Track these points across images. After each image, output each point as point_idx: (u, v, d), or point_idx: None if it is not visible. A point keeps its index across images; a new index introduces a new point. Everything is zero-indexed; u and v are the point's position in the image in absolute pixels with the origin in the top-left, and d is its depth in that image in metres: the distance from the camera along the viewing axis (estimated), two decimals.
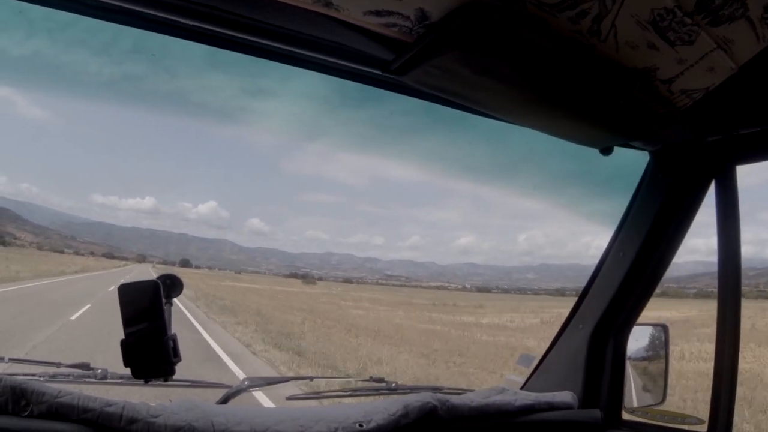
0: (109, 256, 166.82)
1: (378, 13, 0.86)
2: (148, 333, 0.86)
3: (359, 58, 1.09)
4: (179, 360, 0.88)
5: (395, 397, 1.41)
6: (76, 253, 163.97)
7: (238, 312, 19.19)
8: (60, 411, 0.92)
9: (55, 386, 0.96)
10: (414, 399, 1.20)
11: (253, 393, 1.82)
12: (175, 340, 0.88)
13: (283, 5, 0.85)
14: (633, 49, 0.93)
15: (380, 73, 1.06)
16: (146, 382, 0.92)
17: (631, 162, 1.42)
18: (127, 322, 0.86)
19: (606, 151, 1.30)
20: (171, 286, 0.97)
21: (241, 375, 5.43)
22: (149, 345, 0.87)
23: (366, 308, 33.79)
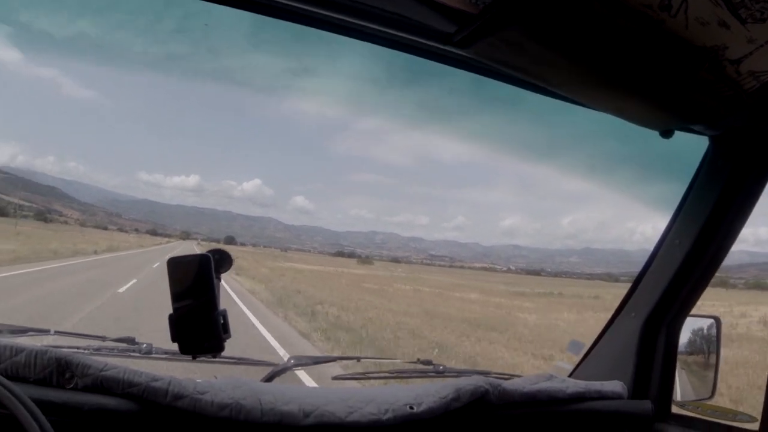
0: (153, 233, 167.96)
1: None
2: (197, 308, 0.85)
3: (418, 29, 1.04)
4: (228, 336, 0.86)
5: (444, 380, 1.47)
6: (120, 229, 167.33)
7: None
8: (105, 384, 0.92)
9: (100, 359, 0.96)
10: (465, 382, 1.18)
11: (296, 372, 1.76)
12: (225, 316, 0.86)
13: None
14: (703, 26, 0.90)
15: (440, 45, 1.03)
16: (194, 358, 0.90)
17: (686, 146, 1.37)
18: (175, 297, 0.84)
19: (666, 134, 1.25)
20: (220, 261, 0.93)
21: None
22: (198, 320, 0.85)
23: (475, 300, 28.58)
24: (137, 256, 34.71)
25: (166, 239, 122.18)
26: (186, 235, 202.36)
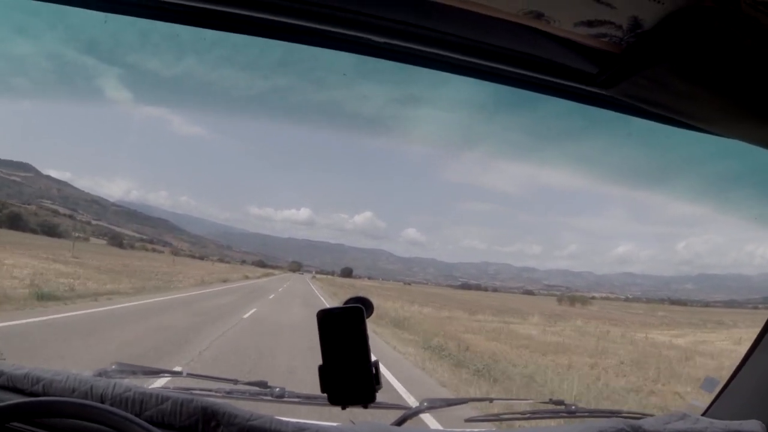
0: (260, 264, 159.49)
1: (590, 24, 0.84)
2: (350, 359, 0.84)
3: (560, 71, 1.05)
4: (380, 387, 0.86)
5: (581, 421, 1.48)
6: (221, 260, 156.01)
7: None
8: None
9: (231, 402, 1.00)
10: (607, 425, 1.16)
11: (421, 416, 1.76)
12: (377, 367, 0.85)
13: (488, 19, 0.85)
14: None
15: (582, 86, 1.04)
16: (343, 408, 0.89)
17: None
18: (326, 348, 0.85)
19: None
20: (366, 309, 0.91)
21: None
22: (351, 371, 0.85)
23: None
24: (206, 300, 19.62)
25: (277, 270, 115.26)
26: (297, 266, 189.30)
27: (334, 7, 0.93)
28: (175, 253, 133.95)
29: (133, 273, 28.08)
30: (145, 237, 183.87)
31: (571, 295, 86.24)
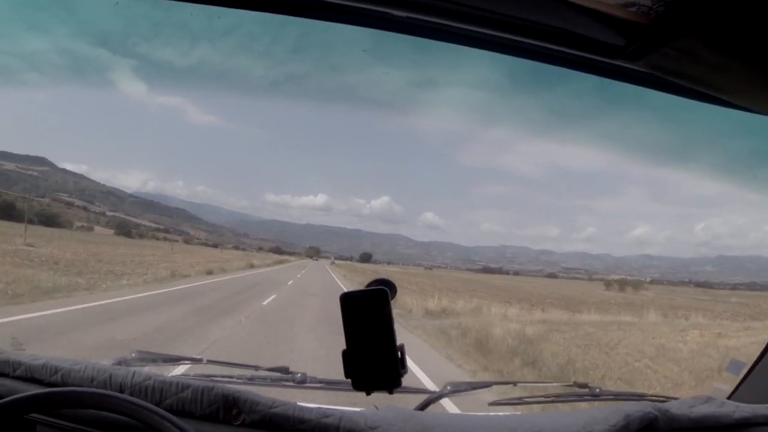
0: (277, 250, 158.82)
1: None
2: (375, 343, 0.82)
3: (586, 44, 1.01)
4: (406, 372, 0.84)
5: (604, 404, 1.47)
6: (236, 247, 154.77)
7: None
8: (274, 421, 0.93)
9: (252, 389, 0.98)
10: (633, 408, 1.13)
11: (446, 399, 1.73)
12: (402, 351, 0.83)
13: None
14: None
15: (608, 60, 1.02)
16: (368, 394, 0.87)
17: None
18: (350, 332, 0.82)
19: None
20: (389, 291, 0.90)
21: None
22: (376, 356, 0.82)
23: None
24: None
25: (285, 257, 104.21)
26: (315, 252, 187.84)
27: None
28: (188, 241, 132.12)
29: (85, 265, 20.26)
30: (160, 227, 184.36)
31: (622, 279, 76.62)
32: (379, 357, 0.81)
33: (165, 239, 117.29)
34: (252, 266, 41.45)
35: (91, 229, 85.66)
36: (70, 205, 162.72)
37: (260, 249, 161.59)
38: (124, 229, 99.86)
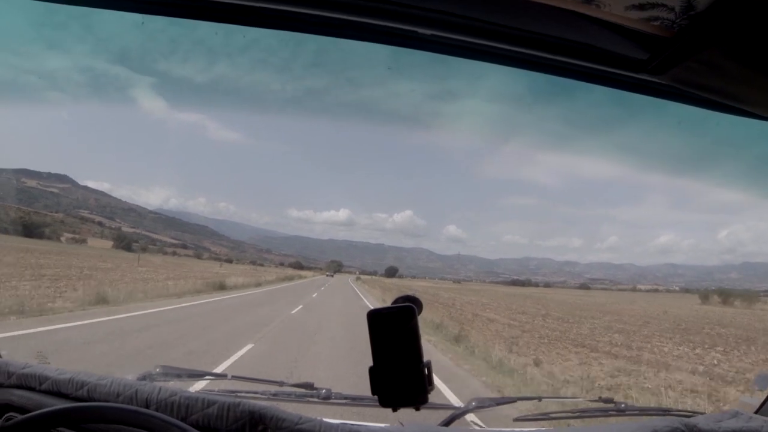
0: (297, 266, 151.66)
1: (641, 7, 0.81)
2: (402, 360, 0.81)
3: (609, 58, 1.01)
4: (432, 388, 0.83)
5: (630, 419, 1.47)
6: (254, 263, 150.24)
7: None
8: None
9: (276, 405, 0.97)
10: (661, 423, 1.12)
11: (470, 415, 1.70)
12: (429, 367, 0.82)
13: (537, 6, 0.83)
14: None
15: (631, 74, 1.01)
16: (394, 410, 0.86)
17: None
18: (377, 349, 0.82)
19: None
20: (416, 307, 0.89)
21: None
22: (403, 372, 0.81)
23: None
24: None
25: (302, 272, 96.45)
26: (337, 266, 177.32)
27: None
28: (199, 256, 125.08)
29: None
30: (177, 242, 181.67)
31: (723, 290, 60.39)
32: (406, 373, 0.81)
33: (174, 254, 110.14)
34: (223, 288, 25.19)
35: (83, 241, 78.07)
36: (84, 220, 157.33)
37: (281, 264, 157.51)
38: (123, 242, 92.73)
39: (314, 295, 26.90)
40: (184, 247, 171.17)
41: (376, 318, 0.81)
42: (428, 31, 0.96)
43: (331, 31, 1.03)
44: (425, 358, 0.82)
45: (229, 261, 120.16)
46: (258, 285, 33.71)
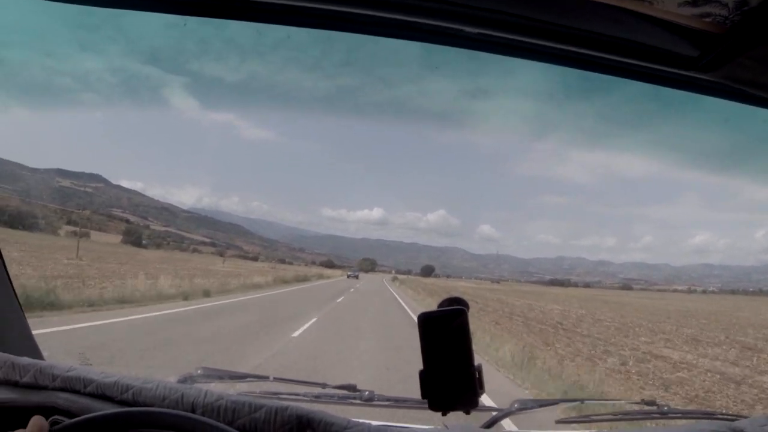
0: (328, 264, 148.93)
1: (694, 3, 0.80)
2: (453, 363, 0.80)
3: (657, 56, 0.98)
4: (483, 392, 0.82)
5: (671, 422, 1.45)
6: (281, 261, 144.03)
7: None
8: None
9: (319, 407, 0.96)
10: (707, 427, 1.08)
11: (512, 418, 1.67)
12: (480, 371, 0.81)
13: (587, 4, 0.83)
14: None
15: (680, 71, 0.98)
16: (444, 414, 0.85)
17: None
18: (427, 352, 0.80)
19: None
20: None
21: None
22: (454, 376, 0.80)
23: None
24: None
25: (329, 271, 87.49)
26: (370, 265, 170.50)
27: None
28: (221, 254, 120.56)
29: None
30: (207, 241, 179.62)
31: None
32: (457, 377, 0.79)
33: (195, 251, 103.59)
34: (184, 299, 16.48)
35: (84, 235, 71.66)
36: (111, 217, 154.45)
37: (312, 263, 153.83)
38: (133, 237, 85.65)
39: (347, 297, 21.28)
40: (213, 245, 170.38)
41: (427, 321, 0.79)
42: (475, 30, 0.95)
43: (376, 29, 1.02)
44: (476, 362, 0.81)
45: (255, 259, 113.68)
46: (246, 289, 23.16)
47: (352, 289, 34.48)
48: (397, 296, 30.47)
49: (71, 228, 71.24)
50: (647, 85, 1.13)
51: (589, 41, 0.95)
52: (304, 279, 43.48)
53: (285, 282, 34.43)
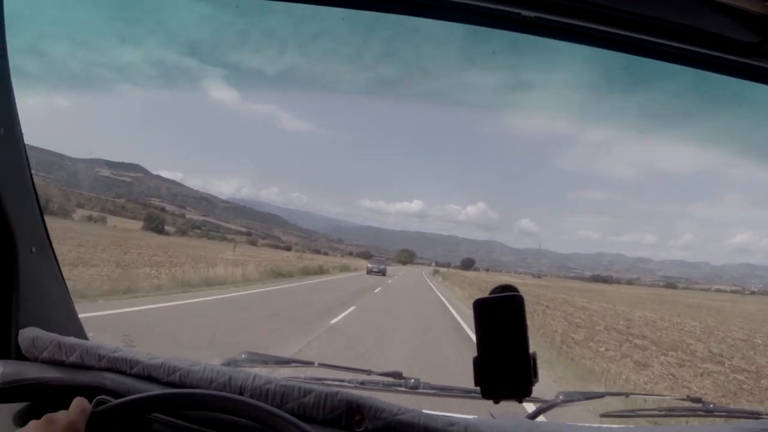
0: (365, 255, 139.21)
1: None
2: (509, 351, 0.78)
3: (715, 41, 0.95)
4: (537, 381, 0.80)
5: (717, 421, 1.42)
6: (315, 251, 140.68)
7: None
8: (399, 428, 0.89)
9: (364, 393, 0.94)
10: (753, 427, 1.08)
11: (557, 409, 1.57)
12: (535, 359, 0.79)
13: None
14: None
15: (739, 58, 0.96)
16: (496, 402, 0.83)
17: None
18: (482, 339, 0.79)
19: None
20: None
21: None
22: (509, 364, 0.78)
23: None
24: None
25: (360, 261, 79.73)
26: (408, 257, 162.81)
27: None
28: (253, 243, 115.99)
29: None
30: (242, 230, 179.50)
31: None
32: (512, 365, 0.78)
33: (224, 239, 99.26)
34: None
35: (101, 220, 67.15)
36: (146, 206, 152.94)
37: (350, 254, 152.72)
38: (154, 223, 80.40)
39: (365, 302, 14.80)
40: (248, 234, 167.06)
41: (483, 307, 0.77)
42: (532, 14, 0.93)
43: (430, 12, 1.00)
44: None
45: (288, 249, 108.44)
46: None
47: (385, 284, 26.23)
48: (425, 276, 24.74)
49: (86, 212, 66.76)
50: (693, 78, 1.06)
51: (645, 26, 0.91)
52: (319, 272, 33.03)
53: (280, 276, 23.81)
